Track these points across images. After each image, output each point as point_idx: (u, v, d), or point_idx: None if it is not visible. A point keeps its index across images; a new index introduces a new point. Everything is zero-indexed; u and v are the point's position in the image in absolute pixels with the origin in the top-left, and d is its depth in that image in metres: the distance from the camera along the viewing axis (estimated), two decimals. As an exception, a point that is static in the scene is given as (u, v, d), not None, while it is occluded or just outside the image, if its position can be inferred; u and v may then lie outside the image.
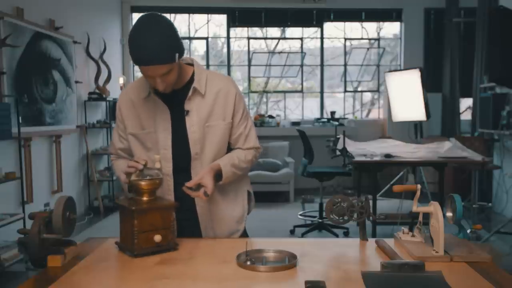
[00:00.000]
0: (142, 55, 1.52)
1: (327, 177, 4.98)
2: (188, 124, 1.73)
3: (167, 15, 7.73)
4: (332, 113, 7.58)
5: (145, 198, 1.56)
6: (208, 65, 7.71)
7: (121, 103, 1.80)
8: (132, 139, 1.79)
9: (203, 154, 1.76)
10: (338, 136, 4.70)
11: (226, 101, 1.77)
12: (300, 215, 5.69)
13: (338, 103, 8.03)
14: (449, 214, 1.59)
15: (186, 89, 1.72)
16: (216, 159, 1.76)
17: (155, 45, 1.50)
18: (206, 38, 7.73)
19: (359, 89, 8.08)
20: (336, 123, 7.13)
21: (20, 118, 4.13)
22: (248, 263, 1.41)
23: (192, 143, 1.74)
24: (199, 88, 1.72)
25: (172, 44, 1.55)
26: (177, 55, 1.56)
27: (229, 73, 7.73)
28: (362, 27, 7.92)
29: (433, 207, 1.52)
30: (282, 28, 7.88)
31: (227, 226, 1.84)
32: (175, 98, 1.72)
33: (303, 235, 4.74)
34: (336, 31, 7.88)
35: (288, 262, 1.42)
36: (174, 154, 1.75)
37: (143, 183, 1.55)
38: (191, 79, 1.74)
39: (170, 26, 1.56)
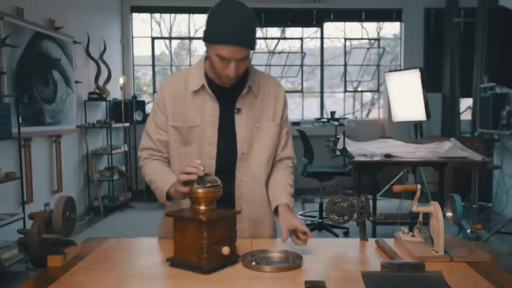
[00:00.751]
0: (233, 33, 1.48)
1: (327, 177, 4.98)
2: (237, 122, 1.67)
3: (167, 15, 7.74)
4: (332, 113, 7.58)
5: (203, 208, 1.40)
6: (208, 65, 7.71)
7: (165, 94, 1.69)
8: (172, 132, 1.69)
9: (249, 155, 1.70)
10: (338, 136, 4.70)
11: (276, 102, 1.74)
12: (300, 215, 5.68)
13: (338, 103, 8.03)
14: (449, 214, 1.59)
15: (238, 87, 1.65)
16: (265, 161, 1.73)
17: (246, 27, 1.51)
18: (206, 38, 7.72)
19: (359, 89, 8.08)
20: (336, 123, 7.13)
21: (20, 118, 4.12)
22: (254, 263, 1.40)
23: (239, 142, 1.68)
24: (253, 87, 1.67)
25: (256, 32, 1.56)
26: (255, 44, 1.57)
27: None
28: (362, 27, 7.92)
29: (433, 207, 1.52)
30: (282, 28, 7.88)
31: (267, 230, 1.80)
32: (225, 95, 1.66)
33: (303, 235, 4.73)
34: (336, 31, 7.88)
35: (292, 262, 1.42)
36: (218, 152, 1.67)
37: (200, 191, 1.40)
38: (244, 77, 1.66)
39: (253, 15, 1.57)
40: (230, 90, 1.66)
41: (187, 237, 1.38)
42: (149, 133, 1.73)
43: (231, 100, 1.67)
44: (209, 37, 1.53)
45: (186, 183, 1.44)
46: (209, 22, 1.53)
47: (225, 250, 1.37)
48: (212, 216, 1.38)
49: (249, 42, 1.53)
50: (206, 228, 1.34)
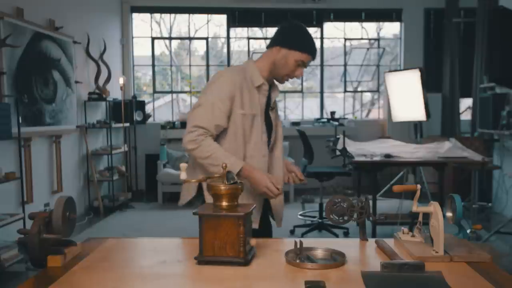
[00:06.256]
0: (314, 48, 1.99)
1: (327, 177, 4.98)
2: (272, 115, 2.11)
3: (167, 15, 7.74)
4: (332, 113, 7.58)
5: (225, 203, 1.46)
6: (208, 65, 7.72)
7: (232, 85, 1.92)
8: (238, 119, 1.93)
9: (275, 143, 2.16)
10: (338, 136, 4.70)
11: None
12: (300, 215, 5.69)
13: (338, 103, 8.04)
14: (449, 214, 1.59)
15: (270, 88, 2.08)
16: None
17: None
18: (206, 38, 7.73)
19: (359, 89, 8.08)
20: (336, 123, 7.13)
21: (20, 118, 4.13)
22: (298, 260, 1.43)
23: (273, 132, 2.11)
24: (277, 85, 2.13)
25: None
26: None
27: (229, 73, 7.71)
28: (362, 27, 7.92)
29: (433, 207, 1.52)
30: (282, 28, 7.87)
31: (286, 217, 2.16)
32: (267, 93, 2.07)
33: (303, 235, 4.74)
34: (336, 31, 7.89)
35: (336, 260, 1.44)
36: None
37: (223, 187, 1.46)
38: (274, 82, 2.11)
39: None
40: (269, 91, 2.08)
41: (222, 233, 1.42)
42: (216, 116, 1.90)
43: (268, 98, 2.07)
44: (297, 46, 1.95)
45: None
46: (296, 35, 1.97)
47: (253, 241, 1.46)
48: (245, 211, 1.44)
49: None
50: (243, 222, 1.40)
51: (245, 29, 7.77)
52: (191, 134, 1.87)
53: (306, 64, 2.00)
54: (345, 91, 7.94)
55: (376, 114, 8.06)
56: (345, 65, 7.83)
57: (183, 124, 7.20)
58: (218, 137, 1.95)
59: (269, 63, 2.00)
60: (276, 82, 2.11)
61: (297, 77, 2.02)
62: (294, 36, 1.98)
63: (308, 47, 1.98)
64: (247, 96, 1.95)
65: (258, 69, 2.00)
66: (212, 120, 1.89)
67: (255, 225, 1.96)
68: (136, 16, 7.60)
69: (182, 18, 7.79)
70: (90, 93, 5.96)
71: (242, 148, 1.95)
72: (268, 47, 2.04)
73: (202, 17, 7.75)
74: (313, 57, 2.01)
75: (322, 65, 7.81)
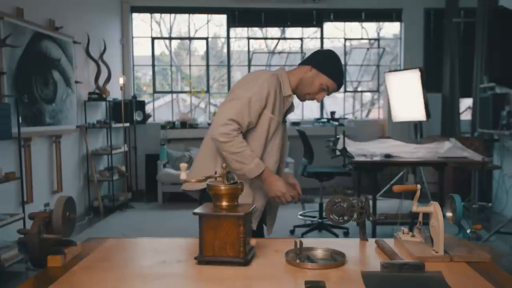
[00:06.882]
0: (342, 79, 2.10)
1: (327, 177, 4.98)
2: (283, 127, 2.14)
3: (167, 15, 7.74)
4: (332, 113, 7.58)
5: (225, 203, 1.47)
6: (208, 65, 7.71)
7: (270, 87, 1.97)
8: (265, 121, 1.99)
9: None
10: (338, 136, 4.70)
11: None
12: (300, 215, 5.68)
13: (338, 103, 8.03)
14: (449, 214, 1.59)
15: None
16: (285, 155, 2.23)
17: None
18: (206, 38, 7.73)
19: (359, 89, 8.08)
20: (336, 123, 7.13)
21: (20, 118, 4.12)
22: (298, 260, 1.42)
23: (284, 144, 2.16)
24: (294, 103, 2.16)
25: None
26: None
27: (229, 73, 7.73)
28: (362, 27, 7.92)
29: (433, 207, 1.52)
30: (282, 28, 7.89)
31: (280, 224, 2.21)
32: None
33: (303, 235, 4.74)
34: (336, 31, 7.89)
35: (336, 260, 1.44)
36: None
37: (223, 187, 1.46)
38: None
39: None
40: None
41: (222, 233, 1.42)
42: (250, 114, 1.94)
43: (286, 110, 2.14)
44: (327, 71, 2.04)
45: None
46: (330, 62, 2.06)
47: (253, 241, 1.46)
48: (245, 211, 1.43)
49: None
50: (243, 222, 1.40)
51: (245, 29, 7.77)
52: (227, 127, 1.88)
53: (329, 91, 2.09)
54: (345, 91, 7.94)
55: (376, 114, 8.06)
56: (345, 65, 7.82)
57: (183, 124, 7.20)
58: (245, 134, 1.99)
59: (297, 78, 2.07)
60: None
61: (317, 100, 2.11)
62: (328, 62, 2.07)
63: (336, 76, 2.07)
64: (277, 102, 2.01)
65: (288, 80, 2.08)
66: (248, 116, 1.93)
67: (253, 226, 2.00)
68: (136, 16, 7.60)
69: (182, 18, 7.79)
70: (90, 93, 5.96)
71: (260, 150, 2.01)
72: (300, 64, 2.12)
73: (202, 17, 7.74)
74: (338, 87, 2.09)
75: (322, 65, 7.79)
